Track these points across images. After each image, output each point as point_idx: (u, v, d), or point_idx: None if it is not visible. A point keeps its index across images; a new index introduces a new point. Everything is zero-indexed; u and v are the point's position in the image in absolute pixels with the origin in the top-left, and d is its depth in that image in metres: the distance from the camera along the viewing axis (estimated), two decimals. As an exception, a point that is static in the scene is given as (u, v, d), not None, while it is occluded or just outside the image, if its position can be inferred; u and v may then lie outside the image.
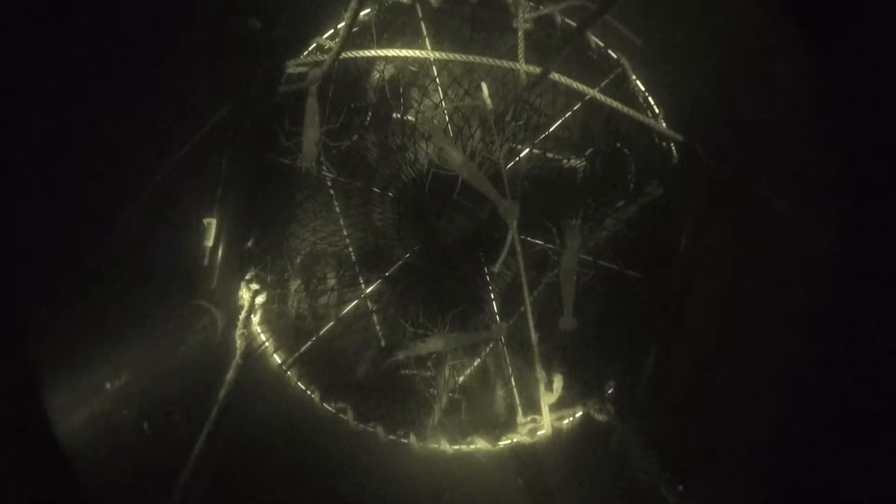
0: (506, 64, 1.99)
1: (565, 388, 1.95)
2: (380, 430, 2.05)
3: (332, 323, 2.15)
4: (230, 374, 1.78)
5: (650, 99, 2.21)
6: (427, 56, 2.05)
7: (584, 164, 2.22)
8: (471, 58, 1.99)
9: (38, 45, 1.33)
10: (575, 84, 2.02)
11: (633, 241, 2.19)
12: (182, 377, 1.64)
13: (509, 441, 2.08)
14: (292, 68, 2.02)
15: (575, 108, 2.20)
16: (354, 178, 2.15)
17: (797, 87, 1.73)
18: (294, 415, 2.05)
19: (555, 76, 1.99)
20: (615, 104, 2.05)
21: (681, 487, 1.61)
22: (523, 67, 1.97)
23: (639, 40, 2.06)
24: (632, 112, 2.08)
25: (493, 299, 2.17)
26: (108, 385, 1.38)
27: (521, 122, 2.14)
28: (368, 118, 2.13)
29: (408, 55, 2.02)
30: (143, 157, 1.70)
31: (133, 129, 1.64)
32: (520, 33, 1.99)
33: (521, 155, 2.17)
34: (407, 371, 2.10)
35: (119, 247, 1.59)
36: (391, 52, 2.01)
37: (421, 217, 2.16)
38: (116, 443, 1.39)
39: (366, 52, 2.00)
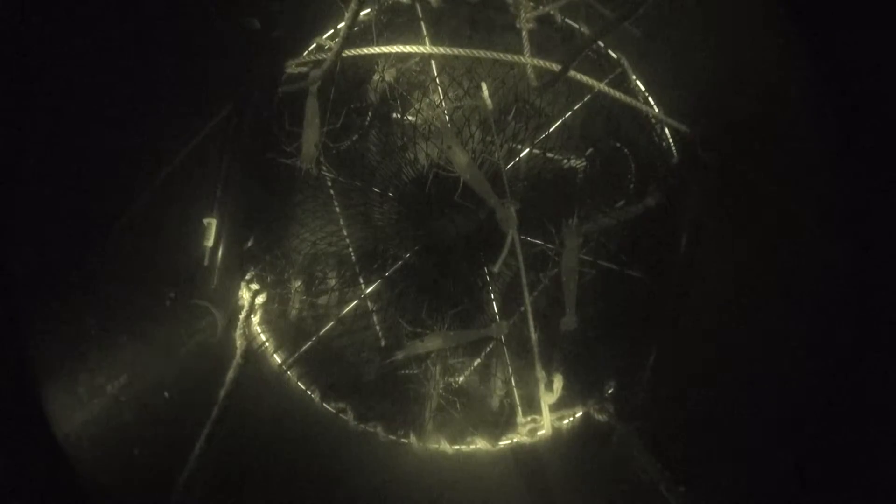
0: (514, 58, 1.96)
1: (565, 388, 1.95)
2: (380, 430, 2.05)
3: (332, 323, 2.15)
4: (230, 374, 1.78)
5: (650, 98, 2.21)
6: (429, 52, 2.03)
7: (584, 164, 2.22)
8: (478, 52, 1.97)
9: (38, 45, 1.33)
10: (578, 76, 2.00)
11: (632, 240, 2.19)
12: (182, 377, 1.64)
13: (509, 441, 2.08)
14: (292, 68, 2.02)
15: (575, 107, 2.19)
16: (354, 178, 2.15)
17: (797, 84, 1.73)
18: (294, 415, 2.05)
19: (537, 63, 1.98)
20: (617, 95, 2.05)
21: (682, 489, 1.61)
22: (531, 62, 1.95)
23: (637, 31, 2.04)
24: (634, 102, 2.08)
25: (493, 299, 2.17)
26: (108, 385, 1.38)
27: (521, 123, 2.14)
28: (368, 118, 2.13)
29: (409, 51, 2.01)
30: (143, 158, 1.70)
31: (133, 129, 1.64)
32: (524, 33, 1.98)
33: (521, 155, 2.17)
34: (407, 371, 2.10)
35: (119, 247, 1.59)
36: (391, 49, 2.00)
37: (421, 217, 2.15)
38: (116, 443, 1.39)
39: (366, 49, 1.99)
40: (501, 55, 1.96)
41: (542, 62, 1.95)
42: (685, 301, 2.12)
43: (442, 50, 2.01)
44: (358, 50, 1.99)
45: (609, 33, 1.96)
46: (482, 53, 1.96)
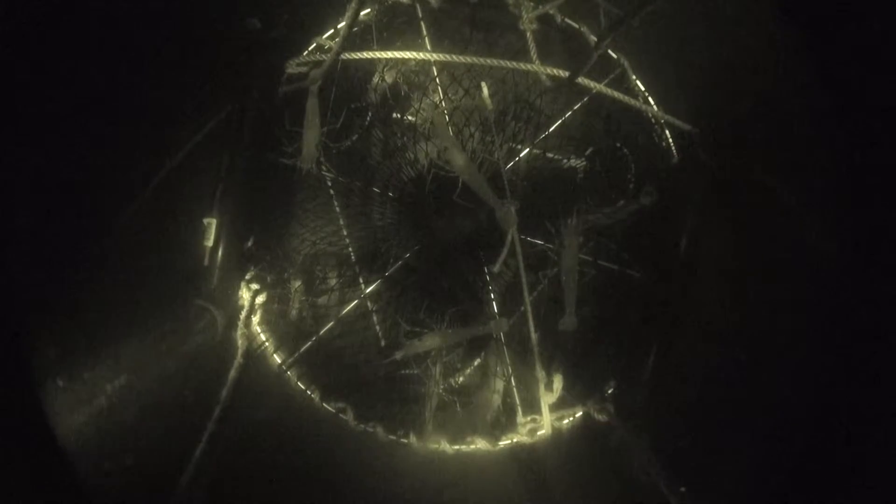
0: (522, 66, 1.94)
1: (565, 388, 1.95)
2: (380, 430, 2.05)
3: (332, 323, 2.15)
4: (231, 374, 1.78)
5: (650, 98, 2.21)
6: (431, 58, 2.01)
7: (584, 164, 2.22)
8: (488, 61, 1.94)
9: (38, 44, 1.33)
10: (579, 78, 1.99)
11: (632, 240, 2.19)
12: (182, 377, 1.64)
13: (509, 441, 2.08)
14: (292, 68, 2.02)
15: (575, 107, 2.19)
16: (354, 178, 2.15)
17: (797, 84, 1.73)
18: (294, 415, 2.05)
19: (547, 72, 1.98)
20: (618, 95, 2.04)
21: (682, 489, 1.61)
22: (541, 69, 1.94)
23: (636, 20, 2.02)
24: (634, 102, 2.07)
25: (492, 299, 2.17)
26: (108, 385, 1.38)
27: (521, 123, 2.14)
28: (369, 118, 2.13)
29: (410, 57, 2.00)
30: (143, 157, 1.70)
31: (133, 129, 1.64)
32: (528, 35, 1.98)
33: (521, 155, 2.17)
34: (407, 371, 2.10)
35: (119, 247, 1.59)
36: (392, 55, 2.00)
37: (421, 217, 2.15)
38: (116, 443, 1.39)
39: (366, 53, 1.99)
40: (510, 63, 1.94)
41: (550, 70, 1.93)
42: (685, 301, 2.12)
43: (447, 57, 1.98)
44: (359, 54, 1.97)
45: (618, 30, 1.94)
46: (491, 62, 1.93)
